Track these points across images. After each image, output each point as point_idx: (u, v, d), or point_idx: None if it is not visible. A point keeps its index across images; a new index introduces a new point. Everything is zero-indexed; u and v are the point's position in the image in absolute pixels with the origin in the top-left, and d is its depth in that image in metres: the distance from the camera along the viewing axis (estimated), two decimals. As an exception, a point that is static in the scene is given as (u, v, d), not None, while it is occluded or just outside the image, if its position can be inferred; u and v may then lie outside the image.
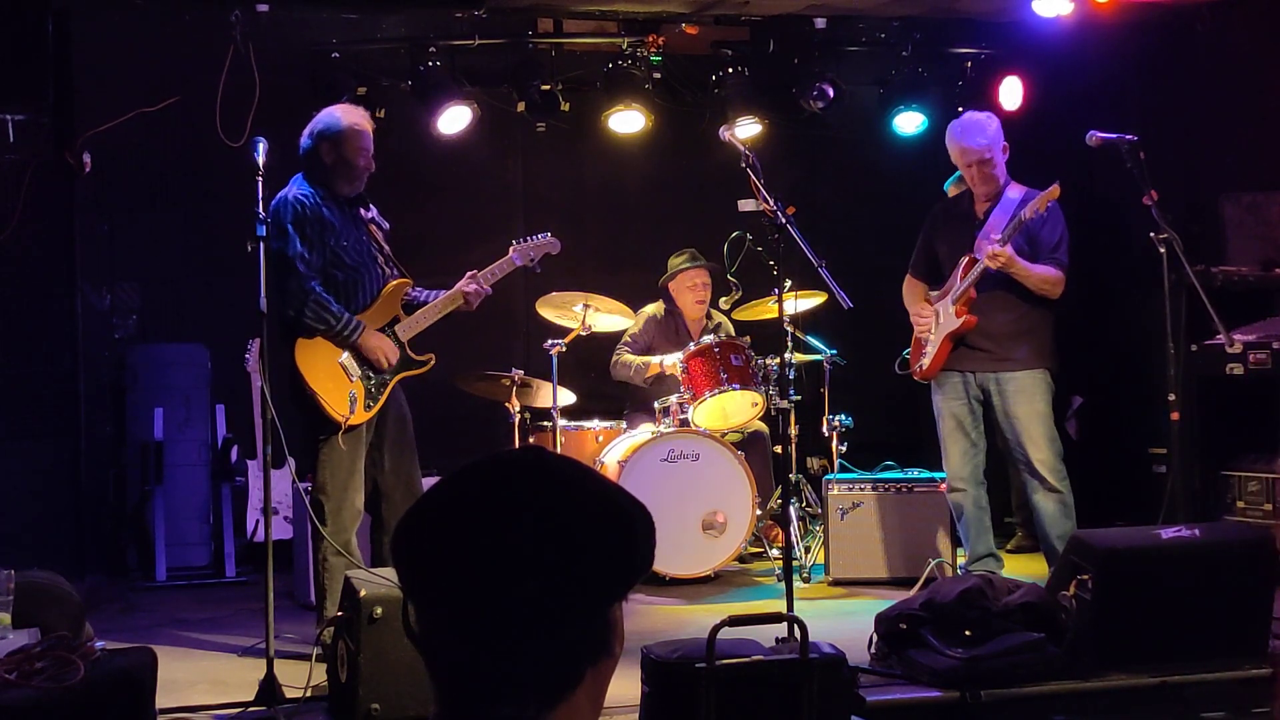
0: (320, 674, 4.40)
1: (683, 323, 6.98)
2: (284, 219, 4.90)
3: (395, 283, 5.12)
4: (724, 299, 6.71)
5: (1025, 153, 6.14)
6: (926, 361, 5.77)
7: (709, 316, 7.05)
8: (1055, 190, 5.42)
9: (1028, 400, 5.59)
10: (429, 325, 5.16)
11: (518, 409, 6.26)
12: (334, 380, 4.91)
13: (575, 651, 1.35)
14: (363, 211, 5.15)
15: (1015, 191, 5.69)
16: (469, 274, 5.23)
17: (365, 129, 5.07)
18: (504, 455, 1.41)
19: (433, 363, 5.17)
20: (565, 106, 7.34)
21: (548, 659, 1.33)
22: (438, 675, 1.36)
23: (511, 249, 5.40)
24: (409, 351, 5.11)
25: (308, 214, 4.92)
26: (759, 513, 6.32)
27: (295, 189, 4.98)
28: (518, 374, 6.21)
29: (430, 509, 1.38)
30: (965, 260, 5.66)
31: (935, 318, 5.78)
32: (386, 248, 5.22)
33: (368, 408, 4.98)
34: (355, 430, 4.95)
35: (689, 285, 6.90)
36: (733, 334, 6.86)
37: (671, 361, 6.57)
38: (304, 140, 5.07)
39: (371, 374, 5.01)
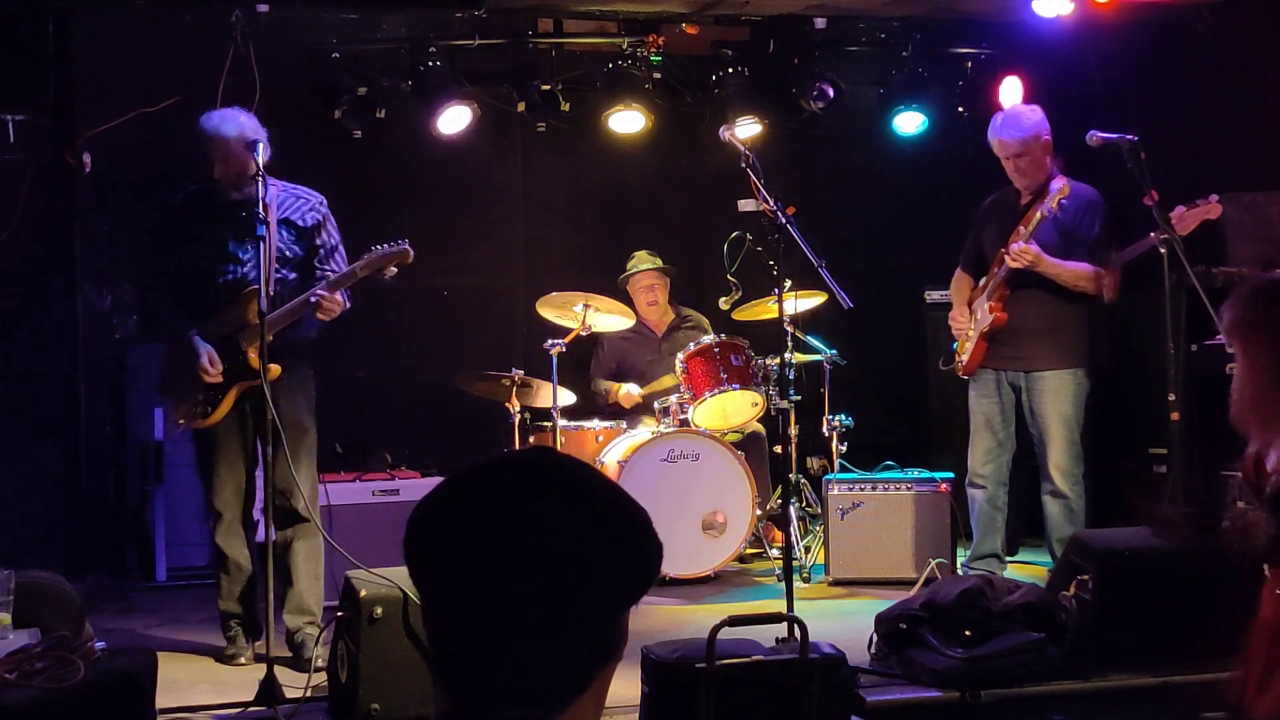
0: (320, 674, 4.41)
1: (644, 323, 7.09)
2: (157, 219, 5.03)
3: (245, 291, 4.82)
4: (724, 299, 6.72)
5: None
6: (965, 357, 5.81)
7: (678, 313, 7.18)
8: (1065, 188, 5.44)
9: (1054, 401, 5.61)
10: (278, 330, 4.80)
11: (518, 409, 6.26)
12: (181, 382, 4.93)
13: (588, 655, 1.35)
14: (268, 213, 4.78)
15: (1059, 184, 5.67)
16: (323, 279, 4.95)
17: (223, 136, 4.87)
18: (514, 455, 1.41)
19: (277, 373, 4.75)
20: (565, 106, 7.34)
21: (561, 662, 1.33)
22: (446, 675, 1.35)
23: (362, 256, 4.92)
24: (249, 360, 4.82)
25: (174, 215, 5.00)
26: (759, 513, 6.32)
27: (189, 187, 5.04)
28: (518, 374, 6.21)
29: (445, 507, 1.37)
30: (1000, 255, 5.67)
31: (974, 314, 5.79)
32: (295, 249, 4.98)
33: (205, 414, 4.91)
34: (208, 433, 4.96)
35: (640, 287, 7.09)
36: (707, 327, 7.03)
37: (626, 391, 6.87)
38: None
39: (208, 382, 4.88)
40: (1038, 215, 5.48)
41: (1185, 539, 4.42)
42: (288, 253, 4.99)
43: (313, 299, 4.82)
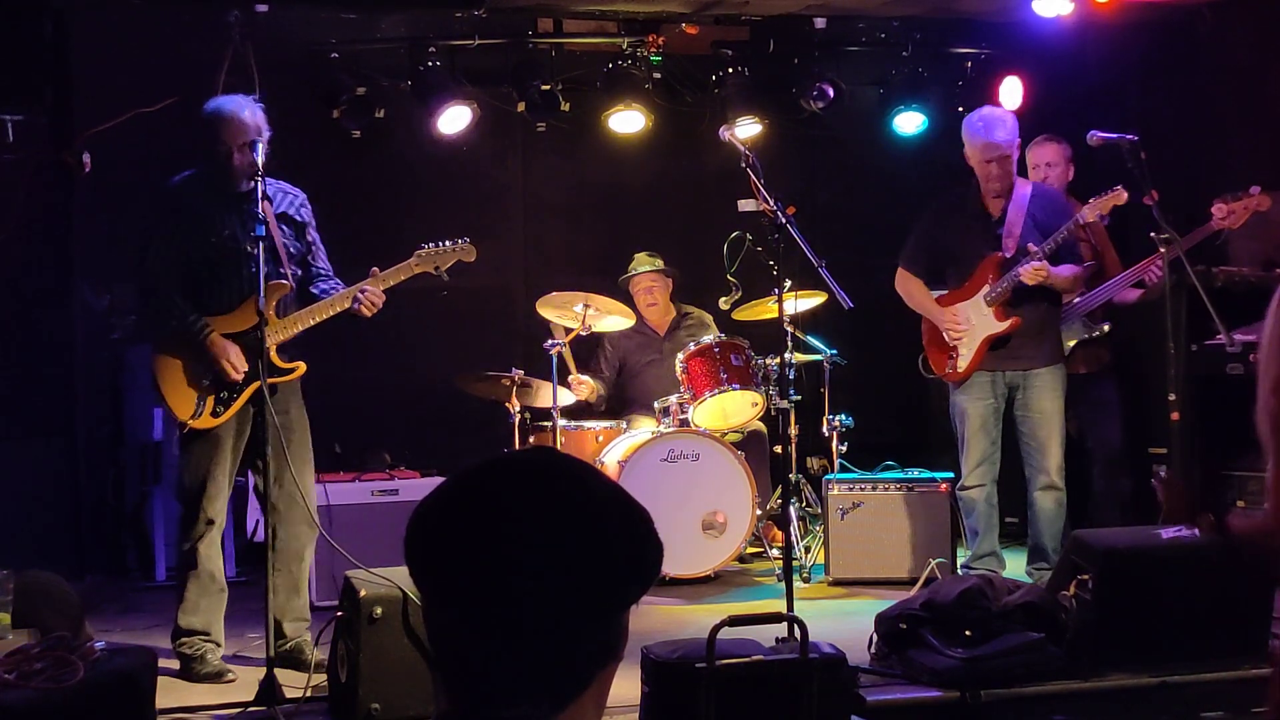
0: (320, 674, 4.41)
1: (646, 323, 7.08)
2: (155, 206, 4.78)
3: (269, 285, 4.57)
4: (724, 299, 6.72)
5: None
6: (963, 364, 5.76)
7: (679, 312, 7.16)
8: (1122, 194, 5.42)
9: (1051, 396, 5.69)
10: (308, 327, 4.78)
11: (518, 409, 6.26)
12: (185, 379, 4.67)
13: (588, 655, 1.35)
14: (270, 206, 4.66)
15: (1025, 187, 5.72)
16: (372, 272, 4.83)
17: (244, 122, 4.64)
18: (514, 455, 1.41)
19: (302, 370, 4.80)
20: (565, 106, 7.34)
21: (561, 662, 1.33)
22: (448, 675, 1.35)
23: (415, 253, 4.90)
24: (274, 357, 4.68)
25: (178, 203, 4.76)
26: (759, 513, 6.32)
27: (184, 172, 4.82)
28: (518, 374, 6.21)
29: (445, 508, 1.37)
30: (990, 259, 5.67)
31: (965, 319, 5.76)
32: (296, 245, 4.84)
33: (215, 414, 4.67)
34: (210, 435, 4.70)
35: (639, 289, 7.06)
36: (709, 322, 7.03)
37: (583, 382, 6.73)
38: None
39: (223, 378, 4.66)
40: (1078, 220, 5.51)
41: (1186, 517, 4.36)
42: (291, 249, 4.81)
43: (361, 292, 4.71)
